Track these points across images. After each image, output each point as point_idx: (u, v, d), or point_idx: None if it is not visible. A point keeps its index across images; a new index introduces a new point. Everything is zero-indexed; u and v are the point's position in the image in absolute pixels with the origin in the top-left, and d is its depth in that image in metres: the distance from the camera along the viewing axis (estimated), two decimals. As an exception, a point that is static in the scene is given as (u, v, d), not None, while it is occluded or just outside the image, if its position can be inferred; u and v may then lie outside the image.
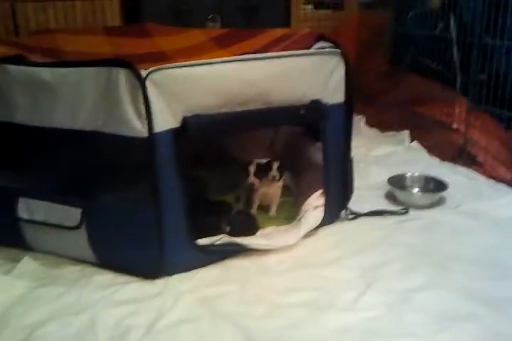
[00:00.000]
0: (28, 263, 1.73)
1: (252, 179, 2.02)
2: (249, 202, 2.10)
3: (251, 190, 2.06)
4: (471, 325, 1.44)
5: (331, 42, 1.90)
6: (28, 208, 1.73)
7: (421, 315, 1.49)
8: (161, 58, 2.01)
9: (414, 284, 1.63)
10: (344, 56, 1.85)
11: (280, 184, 2.08)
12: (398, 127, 3.03)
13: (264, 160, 2.07)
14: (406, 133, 2.97)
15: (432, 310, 1.51)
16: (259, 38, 2.20)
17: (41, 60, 1.79)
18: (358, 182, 2.07)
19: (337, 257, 1.79)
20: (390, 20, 3.39)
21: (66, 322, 1.47)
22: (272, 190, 2.08)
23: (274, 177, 2.01)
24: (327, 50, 1.85)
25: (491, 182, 2.38)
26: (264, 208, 2.11)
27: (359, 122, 3.25)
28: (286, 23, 3.37)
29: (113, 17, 2.95)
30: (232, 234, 1.77)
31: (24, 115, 1.67)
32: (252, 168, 2.02)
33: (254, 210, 2.08)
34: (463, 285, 1.62)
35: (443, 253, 1.81)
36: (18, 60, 1.68)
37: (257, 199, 2.08)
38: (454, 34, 2.79)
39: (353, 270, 1.71)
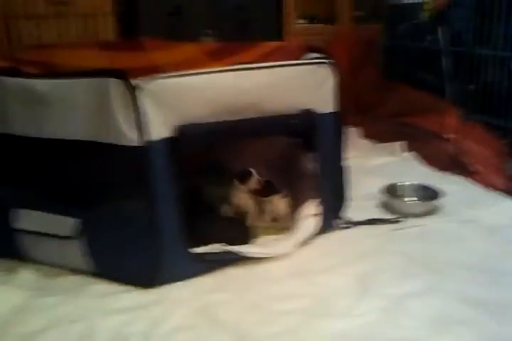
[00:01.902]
0: (25, 274, 1.73)
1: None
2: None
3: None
4: (466, 330, 1.44)
5: (321, 52, 1.94)
6: (23, 218, 1.74)
7: (416, 320, 1.49)
8: (154, 71, 2.03)
9: (410, 290, 1.63)
10: (334, 66, 1.88)
11: (282, 200, 2.08)
12: (392, 138, 3.05)
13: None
14: (400, 144, 2.99)
15: (427, 315, 1.51)
16: (251, 51, 2.22)
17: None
18: (352, 192, 2.09)
19: (332, 265, 1.79)
20: (382, 33, 3.43)
21: (64, 330, 1.47)
22: (275, 207, 2.08)
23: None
24: (317, 59, 1.88)
25: (484, 190, 2.39)
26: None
27: (353, 134, 3.27)
28: (278, 37, 3.42)
29: (106, 32, 2.99)
30: (226, 243, 1.77)
31: (19, 126, 1.69)
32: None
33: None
34: (458, 291, 1.62)
35: (438, 260, 1.82)
36: (12, 72, 1.71)
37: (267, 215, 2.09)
38: (443, 45, 2.83)
39: (348, 277, 1.72)
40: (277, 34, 3.43)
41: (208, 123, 1.66)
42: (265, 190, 2.06)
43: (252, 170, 2.06)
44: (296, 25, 3.55)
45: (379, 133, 3.15)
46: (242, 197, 2.08)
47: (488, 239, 1.96)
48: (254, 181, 2.05)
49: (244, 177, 2.05)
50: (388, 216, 2.16)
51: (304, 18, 3.61)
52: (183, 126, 1.62)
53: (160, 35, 2.79)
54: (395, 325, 1.47)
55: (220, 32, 3.22)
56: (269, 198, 2.06)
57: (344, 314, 1.52)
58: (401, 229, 2.06)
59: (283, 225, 2.03)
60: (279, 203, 2.07)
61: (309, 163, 2.10)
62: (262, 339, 1.42)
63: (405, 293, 1.61)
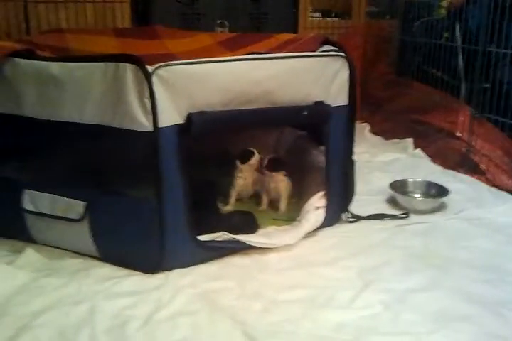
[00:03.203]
0: (30, 255, 1.75)
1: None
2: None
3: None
4: (466, 326, 1.45)
5: (336, 46, 1.94)
6: (33, 200, 1.75)
7: (417, 314, 1.50)
8: (168, 59, 2.05)
9: (412, 285, 1.64)
10: (348, 59, 1.88)
11: (284, 177, 2.12)
12: (402, 135, 3.06)
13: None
14: (410, 140, 2.99)
15: (428, 311, 1.52)
16: (266, 42, 2.22)
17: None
18: (360, 186, 2.09)
19: (336, 257, 1.80)
20: (397, 29, 3.42)
21: (65, 311, 1.48)
22: (276, 184, 2.12)
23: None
24: (332, 52, 1.88)
25: (493, 189, 2.39)
26: (273, 205, 2.16)
27: (364, 129, 3.29)
28: (293, 30, 3.42)
29: (123, 19, 3.02)
30: (231, 231, 1.78)
31: (32, 108, 1.70)
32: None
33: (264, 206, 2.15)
34: (460, 288, 1.63)
35: (441, 256, 1.82)
36: (28, 54, 1.72)
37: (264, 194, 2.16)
38: (459, 43, 2.81)
39: (351, 270, 1.72)
40: (292, 27, 3.42)
41: (219, 112, 1.67)
42: (271, 166, 2.10)
43: (253, 149, 2.12)
44: (311, 18, 3.55)
45: (389, 130, 3.15)
46: (247, 176, 2.15)
47: (493, 238, 1.96)
48: (256, 159, 2.11)
49: (245, 156, 2.11)
50: (395, 211, 2.16)
51: (319, 12, 3.60)
52: (195, 113, 1.62)
53: (174, 24, 2.80)
54: (395, 319, 1.48)
55: (234, 23, 3.22)
56: (272, 174, 2.11)
57: (344, 306, 1.53)
58: (407, 224, 2.06)
59: (288, 216, 2.05)
60: (280, 180, 2.11)
61: (319, 156, 2.10)
62: (262, 327, 1.43)
63: (407, 288, 1.62)
